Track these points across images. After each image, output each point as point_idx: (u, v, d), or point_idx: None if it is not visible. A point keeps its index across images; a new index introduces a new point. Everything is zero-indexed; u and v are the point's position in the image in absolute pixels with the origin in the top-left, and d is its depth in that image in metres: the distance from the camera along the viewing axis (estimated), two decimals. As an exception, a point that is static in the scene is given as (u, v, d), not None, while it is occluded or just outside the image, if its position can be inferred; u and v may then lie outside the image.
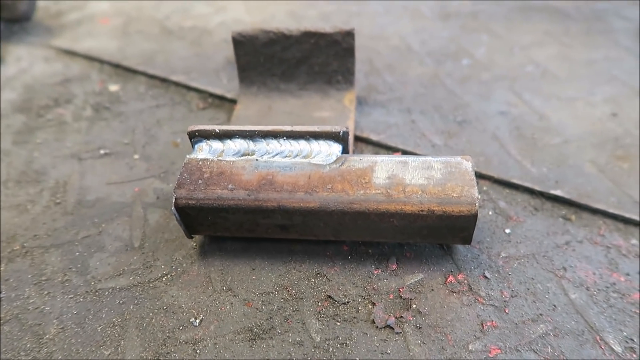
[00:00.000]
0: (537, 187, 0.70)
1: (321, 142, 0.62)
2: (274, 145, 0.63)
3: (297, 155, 0.62)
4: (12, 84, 1.07)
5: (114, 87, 1.03)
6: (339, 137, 0.62)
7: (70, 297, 0.61)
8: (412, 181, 0.58)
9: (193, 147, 0.64)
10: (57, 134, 0.90)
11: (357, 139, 0.83)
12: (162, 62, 1.09)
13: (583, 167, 0.74)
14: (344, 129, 0.61)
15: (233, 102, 0.94)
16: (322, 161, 0.61)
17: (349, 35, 0.81)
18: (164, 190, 0.76)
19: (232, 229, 0.62)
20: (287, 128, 0.62)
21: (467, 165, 0.59)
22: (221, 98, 0.95)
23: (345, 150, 0.63)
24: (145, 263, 0.65)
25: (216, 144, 0.64)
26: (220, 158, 0.62)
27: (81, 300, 0.61)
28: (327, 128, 0.61)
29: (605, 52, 1.03)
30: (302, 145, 0.62)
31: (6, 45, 1.23)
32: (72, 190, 0.78)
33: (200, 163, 0.62)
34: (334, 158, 0.61)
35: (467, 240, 0.59)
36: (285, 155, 0.62)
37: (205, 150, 0.64)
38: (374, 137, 0.81)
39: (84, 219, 0.72)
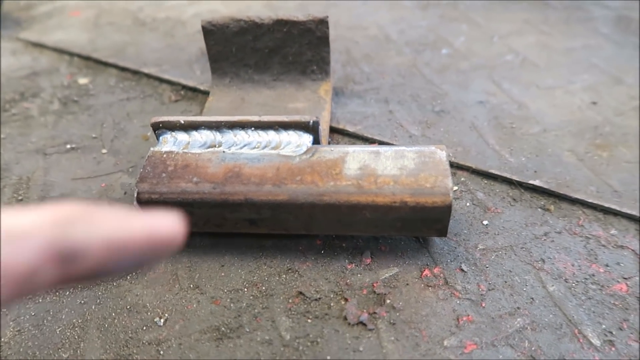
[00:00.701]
0: (515, 177, 0.69)
1: (291, 132, 0.60)
2: (241, 136, 0.60)
3: (265, 147, 0.59)
4: (-23, 77, 1.02)
5: (83, 80, 0.99)
6: (309, 127, 0.59)
7: (29, 298, 0.58)
8: (384, 172, 0.56)
9: (157, 139, 0.62)
10: (22, 129, 0.87)
11: (333, 130, 0.80)
12: (134, 54, 1.05)
13: (562, 156, 0.73)
14: (314, 119, 0.59)
15: (206, 94, 0.91)
16: (291, 152, 0.58)
17: (323, 23, 0.78)
18: (131, 185, 0.73)
19: (199, 224, 0.60)
20: (255, 118, 0.60)
21: (441, 154, 0.57)
22: (194, 90, 0.92)
23: (316, 141, 0.60)
24: (110, 261, 0.62)
25: (181, 136, 0.61)
26: (185, 150, 0.60)
27: (40, 301, 0.58)
28: (296, 118, 0.59)
29: (584, 40, 1.02)
30: (271, 136, 0.60)
31: (-28, 38, 1.18)
32: (35, 186, 0.74)
33: (165, 156, 0.59)
34: (304, 149, 0.58)
35: (442, 232, 0.57)
36: (253, 147, 0.59)
37: (170, 143, 0.61)
38: (350, 129, 0.79)
39: (47, 216, 0.69)
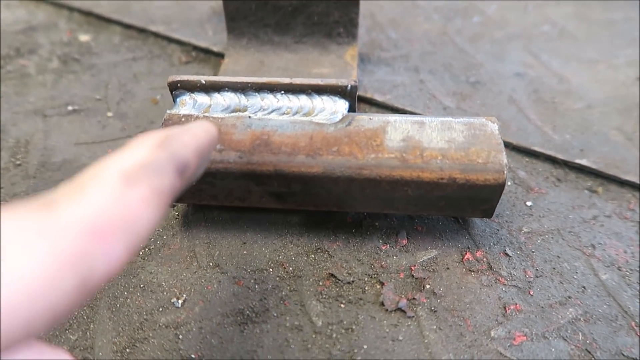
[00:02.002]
0: (560, 156, 0.63)
1: (325, 98, 0.54)
2: (269, 100, 0.54)
3: (296, 113, 0.53)
4: (-32, 31, 0.94)
5: (84, 37, 0.91)
6: (345, 93, 0.53)
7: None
8: (430, 144, 0.50)
9: (174, 101, 0.55)
10: (18, 88, 0.79)
11: (360, 99, 0.74)
12: (140, 10, 0.97)
13: (609, 134, 0.67)
14: (352, 83, 0.53)
15: (220, 56, 0.84)
16: (325, 120, 0.52)
17: None
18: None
19: (220, 197, 0.54)
20: (286, 80, 0.53)
21: (493, 127, 0.51)
22: (206, 51, 0.85)
23: (352, 108, 0.54)
24: (120, 234, 0.57)
25: (202, 98, 0.54)
26: (206, 114, 0.54)
27: (44, 276, 0.52)
28: (332, 81, 0.53)
29: (625, 12, 0.95)
30: (302, 101, 0.54)
31: (-39, -12, 1.09)
32: (35, 150, 0.68)
33: (183, 120, 0.53)
34: (340, 117, 0.52)
35: (488, 213, 0.52)
36: (282, 113, 0.53)
37: (189, 105, 0.54)
38: (378, 98, 0.73)
39: (49, 183, 0.63)
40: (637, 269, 0.53)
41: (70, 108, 0.75)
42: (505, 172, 0.48)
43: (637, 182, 0.60)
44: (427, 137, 0.50)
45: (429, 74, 0.79)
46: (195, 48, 0.86)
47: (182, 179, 0.26)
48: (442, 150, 0.49)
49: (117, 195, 0.21)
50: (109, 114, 0.74)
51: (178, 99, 0.55)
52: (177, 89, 0.55)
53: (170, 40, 0.88)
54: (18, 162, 0.66)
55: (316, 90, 0.53)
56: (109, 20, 0.94)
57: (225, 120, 0.53)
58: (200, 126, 0.32)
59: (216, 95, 0.54)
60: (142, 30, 0.91)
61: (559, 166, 0.64)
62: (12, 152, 0.68)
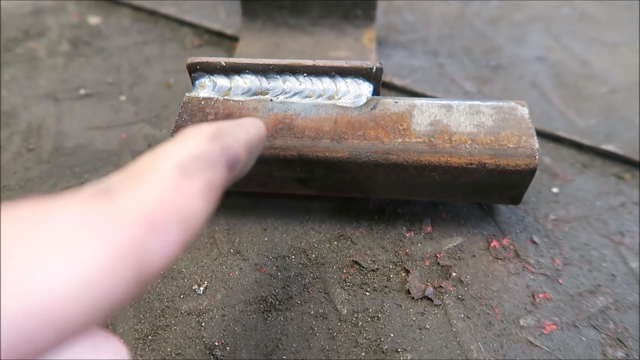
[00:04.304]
0: (585, 142, 0.62)
1: (349, 80, 0.52)
2: (291, 83, 0.52)
3: (319, 96, 0.52)
4: (-26, 13, 0.92)
5: (94, 20, 0.89)
6: (370, 75, 0.52)
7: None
8: (459, 129, 0.48)
9: (193, 83, 0.54)
10: (28, 71, 0.78)
11: (378, 83, 0.72)
12: (149, -8, 0.95)
13: (634, 119, 0.66)
14: (377, 65, 0.51)
15: (233, 39, 0.82)
16: (350, 103, 0.51)
17: None
18: (156, 136, 0.66)
19: (240, 183, 0.52)
20: (309, 62, 0.52)
21: (523, 111, 0.50)
22: (219, 34, 0.83)
23: (377, 92, 0.53)
24: (137, 220, 0.55)
25: (222, 81, 0.53)
26: (226, 97, 0.52)
27: (62, 263, 0.52)
28: (356, 63, 0.51)
29: (647, -5, 0.93)
30: (326, 84, 0.52)
31: (-35, -30, 1.06)
32: (47, 135, 0.67)
33: (203, 103, 0.52)
34: (364, 100, 0.51)
35: (516, 200, 0.51)
36: (305, 96, 0.52)
37: (208, 88, 0.53)
38: (397, 82, 0.71)
39: (63, 168, 0.62)
40: (668, 257, 0.51)
41: (82, 92, 0.73)
42: (537, 157, 0.46)
43: (666, 168, 0.59)
44: (455, 121, 0.49)
45: (448, 57, 0.77)
46: (208, 31, 0.84)
47: (232, 173, 0.26)
48: (472, 135, 0.48)
49: (174, 186, 0.20)
50: (122, 97, 0.72)
51: (197, 82, 0.53)
52: (196, 71, 0.53)
53: (182, 22, 0.86)
54: (31, 147, 0.65)
55: (340, 72, 0.52)
56: (118, 3, 0.92)
57: (247, 103, 0.51)
58: (251, 122, 0.32)
59: (236, 77, 0.53)
60: (152, 13, 0.89)
61: (584, 152, 0.62)
62: (24, 137, 0.66)
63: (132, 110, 0.70)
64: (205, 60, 0.52)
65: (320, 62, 0.52)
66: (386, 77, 0.72)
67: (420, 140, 0.48)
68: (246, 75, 0.53)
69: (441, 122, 0.49)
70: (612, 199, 0.57)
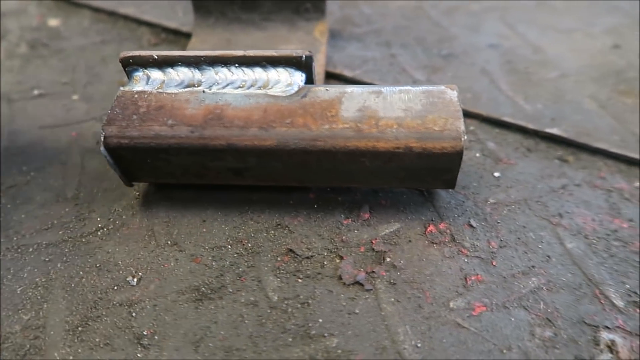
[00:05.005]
0: (530, 126, 0.62)
1: (280, 70, 0.52)
2: (224, 74, 0.53)
3: (251, 86, 0.52)
4: (-62, 19, 0.93)
5: (53, 22, 0.90)
6: (301, 64, 0.52)
7: (-12, 256, 0.52)
8: (386, 114, 0.48)
9: (129, 77, 0.54)
10: (-15, 74, 0.79)
11: (329, 75, 0.73)
12: (111, -6, 0.96)
13: (582, 103, 0.66)
14: (307, 53, 0.51)
15: (189, 36, 0.82)
16: (281, 92, 0.51)
17: None
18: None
19: (177, 174, 0.53)
20: (239, 53, 0.52)
21: (452, 94, 0.50)
22: (176, 32, 0.84)
23: (309, 80, 0.53)
24: (79, 215, 0.56)
25: (156, 74, 0.53)
26: (160, 90, 0.52)
27: (0, 258, 0.52)
28: (286, 52, 0.51)
29: (606, -19, 0.92)
30: (257, 73, 0.52)
31: None
32: (-1, 135, 0.67)
33: (137, 96, 0.52)
34: (296, 88, 0.51)
35: (450, 184, 0.51)
36: (237, 86, 0.52)
37: (142, 81, 0.53)
38: (347, 73, 0.71)
39: (11, 167, 0.62)
40: (605, 236, 0.51)
41: (36, 92, 0.74)
42: (463, 139, 0.46)
43: (609, 149, 0.58)
44: (383, 107, 0.49)
45: (401, 48, 0.77)
46: (165, 30, 0.85)
47: None
48: (398, 119, 0.48)
49: None
50: (75, 97, 0.73)
51: (132, 75, 0.54)
52: (129, 65, 0.53)
53: (140, 22, 0.87)
54: (-19, 147, 0.65)
55: (271, 62, 0.52)
56: (78, 4, 0.93)
57: (179, 95, 0.52)
58: None
59: (170, 70, 0.53)
60: (111, 14, 0.90)
61: (529, 136, 0.62)
62: (-25, 137, 0.67)
63: (84, 109, 0.71)
64: (138, 54, 0.53)
65: (251, 53, 0.52)
66: (336, 69, 0.72)
67: (348, 126, 0.48)
68: (179, 68, 0.53)
69: (370, 108, 0.49)
70: (554, 182, 0.57)
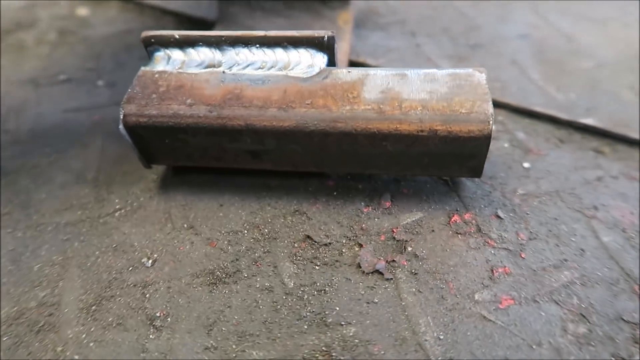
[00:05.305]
0: (563, 116, 0.59)
1: (302, 51, 0.51)
2: (244, 54, 0.52)
3: (272, 67, 0.51)
4: (-28, 9, 0.96)
5: (82, 11, 0.91)
6: (323, 45, 0.50)
7: (8, 232, 0.52)
8: (410, 95, 0.47)
9: (150, 57, 0.54)
10: (15, 59, 0.80)
11: (352, 64, 0.71)
12: (138, -15, 0.97)
13: (619, 93, 0.62)
14: (329, 34, 0.50)
15: (213, 25, 0.82)
16: (301, 74, 0.50)
17: None
18: (126, 118, 0.66)
19: (196, 156, 0.52)
20: (260, 33, 0.51)
21: (480, 77, 0.47)
22: (200, 22, 0.84)
23: (331, 62, 0.51)
24: (98, 197, 0.56)
25: (176, 54, 0.53)
26: (181, 70, 0.52)
27: (20, 235, 0.52)
28: (308, 33, 0.50)
29: (646, -28, 0.88)
30: (278, 55, 0.51)
31: (-30, -29, 1.11)
32: (25, 118, 0.68)
33: (157, 76, 0.51)
34: (317, 70, 0.50)
35: (476, 171, 0.49)
36: (258, 67, 0.51)
37: (163, 61, 0.53)
38: (371, 62, 0.70)
39: (34, 148, 0.63)
40: (643, 231, 0.48)
41: (61, 77, 0.75)
42: (491, 122, 0.44)
43: (648, 141, 0.55)
44: (407, 89, 0.47)
45: (426, 37, 0.75)
46: (189, 19, 0.85)
47: None
48: (423, 101, 0.46)
49: None
50: (99, 82, 0.73)
51: (153, 56, 0.53)
52: (151, 44, 0.53)
53: (165, 12, 0.87)
54: (8, 129, 0.66)
55: (292, 42, 0.51)
56: (107, -5, 0.94)
57: (199, 75, 0.51)
58: None
59: (191, 50, 0.53)
60: (138, 4, 0.90)
61: (562, 127, 0.59)
62: (3, 120, 0.68)
63: (107, 94, 0.71)
64: (159, 34, 0.52)
65: (272, 33, 0.51)
66: (360, 58, 0.71)
67: (369, 107, 0.46)
68: (200, 48, 0.52)
69: (393, 90, 0.47)
70: (589, 173, 0.54)
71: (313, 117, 0.46)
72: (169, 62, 0.53)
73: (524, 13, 0.79)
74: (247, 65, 0.51)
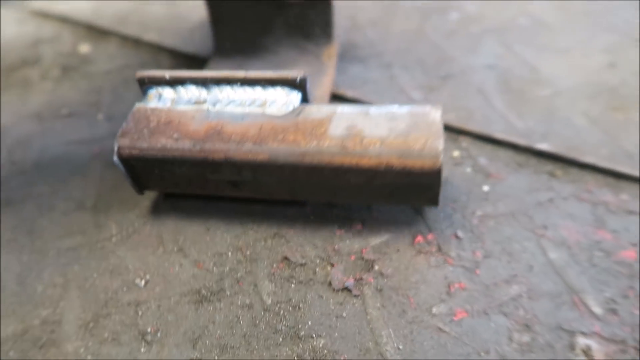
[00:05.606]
0: (521, 142, 0.64)
1: (278, 89, 0.57)
2: (227, 92, 0.57)
3: (251, 104, 0.57)
4: (-18, 47, 1.03)
5: (84, 48, 0.98)
6: (296, 84, 0.56)
7: (14, 257, 0.58)
8: (371, 132, 0.52)
9: (144, 94, 0.60)
10: (21, 94, 0.86)
11: (333, 96, 0.77)
12: (136, 22, 1.04)
13: (574, 119, 0.68)
14: (301, 75, 0.55)
15: (206, 60, 0.88)
16: (277, 111, 0.55)
17: None
18: (123, 149, 0.72)
19: (182, 184, 0.58)
20: (241, 74, 0.57)
21: (435, 114, 0.53)
22: (193, 57, 0.90)
23: (305, 100, 0.57)
24: (96, 223, 0.61)
25: (167, 92, 0.59)
26: (170, 107, 0.58)
27: (25, 259, 0.57)
28: (282, 74, 0.56)
29: (605, 2, 0.94)
30: (257, 93, 0.57)
31: (-20, 9, 1.19)
32: (30, 150, 0.74)
33: (149, 112, 0.57)
34: (291, 108, 0.55)
35: (433, 200, 0.54)
36: (238, 104, 0.57)
37: (155, 98, 0.59)
38: (349, 93, 0.76)
39: (38, 178, 0.69)
40: (588, 247, 0.53)
41: (64, 111, 0.81)
42: (441, 158, 0.49)
43: (597, 164, 0.60)
44: (369, 125, 0.52)
45: (401, 69, 0.81)
46: (183, 54, 0.91)
47: None
48: (382, 138, 0.51)
49: None
50: (99, 116, 0.79)
51: (148, 93, 0.59)
52: (145, 83, 0.59)
53: (161, 48, 0.94)
54: (14, 160, 0.72)
55: (269, 82, 0.56)
56: (107, 32, 1.01)
57: (187, 112, 0.57)
58: None
59: (180, 89, 0.59)
60: (136, 41, 0.97)
61: (521, 152, 0.64)
62: (9, 151, 0.74)
63: (107, 127, 0.77)
64: (152, 74, 0.58)
65: (251, 74, 0.57)
66: (340, 90, 0.77)
67: (334, 143, 0.51)
68: (188, 87, 0.58)
69: (356, 127, 0.53)
70: (542, 195, 0.59)
71: (284, 151, 0.52)
72: (160, 99, 0.59)
73: (493, 44, 0.85)
74: (229, 103, 0.57)
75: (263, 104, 0.56)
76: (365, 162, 0.50)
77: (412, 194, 0.53)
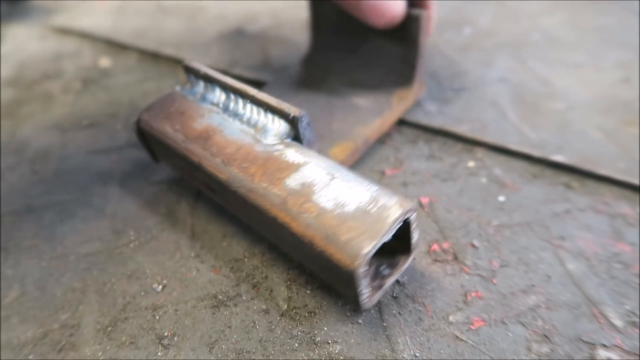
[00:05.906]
0: (536, 153, 0.64)
1: (276, 119, 0.54)
2: (238, 104, 0.58)
3: (248, 123, 0.55)
4: (7, 60, 1.06)
5: (104, 62, 1.01)
6: (287, 119, 0.53)
7: (35, 263, 0.59)
8: (319, 199, 0.45)
9: (188, 81, 0.63)
10: (43, 107, 0.89)
11: (346, 107, 0.78)
12: (155, 36, 1.06)
13: (588, 132, 0.68)
14: (295, 113, 0.52)
15: (223, 72, 0.90)
16: (264, 138, 0.53)
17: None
18: (140, 158, 0.73)
19: (178, 170, 0.61)
20: (252, 92, 0.55)
21: (394, 213, 0.43)
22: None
23: (297, 138, 0.53)
24: (114, 229, 0.62)
25: (198, 86, 0.62)
26: (194, 100, 0.60)
27: (45, 265, 0.58)
28: (281, 105, 0.53)
29: (618, 18, 0.95)
30: (260, 115, 0.55)
31: (5, 25, 1.23)
32: (51, 159, 0.76)
33: (178, 98, 0.61)
34: (277, 140, 0.53)
35: (355, 302, 0.45)
36: (240, 119, 0.57)
37: (189, 88, 0.62)
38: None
39: (59, 187, 0.70)
40: (606, 259, 0.53)
41: (85, 123, 0.83)
42: (359, 262, 0.40)
43: (613, 176, 0.60)
44: (325, 191, 0.46)
45: (415, 82, 0.82)
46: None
47: None
48: (322, 210, 0.44)
49: None
50: (118, 126, 0.81)
51: (189, 81, 0.62)
52: (188, 72, 0.61)
53: (179, 61, 0.96)
54: (36, 169, 0.74)
55: (270, 109, 0.54)
56: (126, 47, 1.04)
57: (201, 109, 0.58)
58: None
59: (209, 86, 0.60)
60: (155, 55, 0.99)
61: (535, 163, 0.65)
62: (31, 161, 0.75)
63: (125, 137, 0.78)
64: (194, 66, 0.60)
65: (259, 95, 0.55)
66: (353, 101, 0.77)
67: (280, 193, 0.47)
68: (214, 86, 0.59)
69: (311, 187, 0.47)
70: (558, 206, 0.59)
71: (238, 180, 0.50)
72: (192, 90, 0.61)
73: (506, 59, 0.86)
74: (235, 115, 0.57)
75: (258, 128, 0.55)
76: (295, 226, 0.45)
77: (336, 280, 0.46)
